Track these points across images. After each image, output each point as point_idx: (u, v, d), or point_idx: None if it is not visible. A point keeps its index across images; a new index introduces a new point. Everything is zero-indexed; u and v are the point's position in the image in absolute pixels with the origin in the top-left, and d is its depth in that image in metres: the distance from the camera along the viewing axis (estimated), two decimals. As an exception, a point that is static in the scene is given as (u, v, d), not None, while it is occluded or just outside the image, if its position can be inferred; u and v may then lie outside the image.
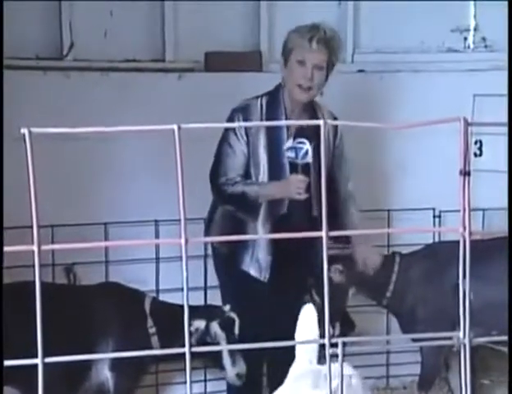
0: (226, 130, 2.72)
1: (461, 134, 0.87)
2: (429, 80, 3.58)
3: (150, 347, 2.62)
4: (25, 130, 0.74)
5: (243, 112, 2.71)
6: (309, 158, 2.74)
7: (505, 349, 2.99)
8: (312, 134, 2.71)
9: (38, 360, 0.73)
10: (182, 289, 0.87)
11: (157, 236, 3.27)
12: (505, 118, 3.23)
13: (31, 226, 0.79)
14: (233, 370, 2.59)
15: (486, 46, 3.71)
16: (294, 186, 2.58)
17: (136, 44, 3.48)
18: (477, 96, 3.51)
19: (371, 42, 3.64)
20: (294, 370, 1.40)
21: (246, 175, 2.72)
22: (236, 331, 2.63)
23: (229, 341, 2.59)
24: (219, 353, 2.58)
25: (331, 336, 0.84)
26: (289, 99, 2.75)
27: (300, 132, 2.73)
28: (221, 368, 2.65)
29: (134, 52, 3.47)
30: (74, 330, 2.62)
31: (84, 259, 3.17)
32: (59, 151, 3.16)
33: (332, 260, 2.90)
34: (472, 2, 3.68)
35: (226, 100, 3.38)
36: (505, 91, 3.41)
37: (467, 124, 0.87)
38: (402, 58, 3.61)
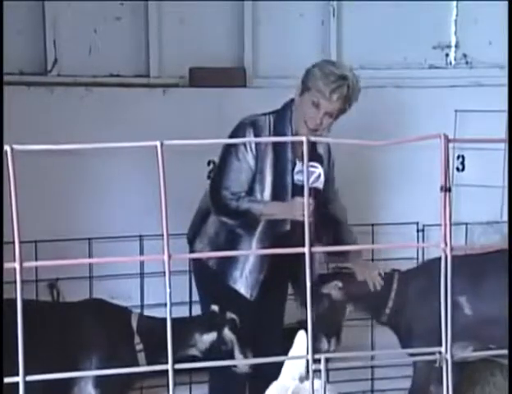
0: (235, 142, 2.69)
1: (441, 150, 0.88)
2: (412, 95, 3.62)
3: (137, 364, 2.61)
4: (7, 148, 0.74)
5: (253, 126, 2.65)
6: (320, 183, 2.72)
7: (503, 361, 3.01)
8: (321, 159, 2.72)
9: (19, 378, 0.72)
10: (166, 304, 0.87)
11: (141, 251, 3.26)
12: (486, 133, 3.27)
13: (13, 242, 0.79)
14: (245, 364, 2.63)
15: (466, 62, 3.76)
16: (300, 208, 2.53)
17: (121, 60, 3.48)
18: (459, 111, 3.55)
19: (354, 58, 3.68)
20: (270, 389, 1.40)
21: (250, 190, 2.68)
22: (238, 326, 2.67)
23: (240, 341, 2.62)
24: (231, 353, 2.61)
25: (326, 352, 0.85)
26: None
27: (311, 156, 2.69)
28: (233, 366, 2.67)
29: (119, 67, 3.48)
30: (59, 347, 2.60)
31: (67, 275, 3.16)
32: (42, 166, 3.15)
33: (332, 276, 2.94)
34: (453, 20, 3.74)
35: (210, 115, 3.40)
36: (486, 107, 3.46)
37: (447, 141, 0.88)
38: (385, 74, 3.65)
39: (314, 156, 2.70)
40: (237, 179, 2.65)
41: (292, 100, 2.72)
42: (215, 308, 2.70)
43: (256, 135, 2.64)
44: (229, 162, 2.66)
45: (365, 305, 3.01)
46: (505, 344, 2.72)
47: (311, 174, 2.70)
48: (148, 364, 2.59)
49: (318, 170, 2.72)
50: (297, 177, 2.70)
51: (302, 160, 2.69)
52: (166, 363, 0.79)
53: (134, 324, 2.69)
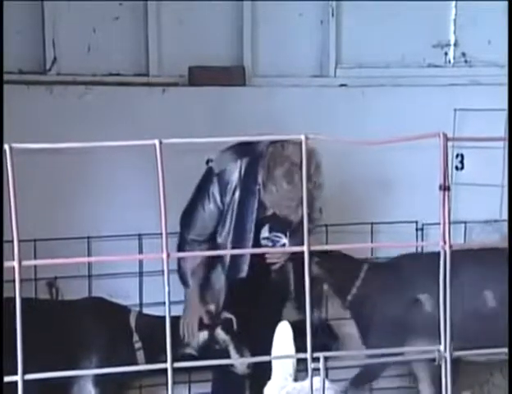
0: (201, 189, 2.73)
1: (440, 149, 0.88)
2: (411, 94, 3.62)
3: (135, 362, 2.61)
4: (6, 146, 0.74)
5: (219, 177, 2.69)
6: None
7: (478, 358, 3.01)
8: (286, 227, 2.73)
9: (17, 377, 0.72)
10: (165, 303, 0.87)
11: (140, 250, 3.26)
12: (485, 132, 3.27)
13: (12, 241, 0.79)
14: (242, 364, 2.63)
15: (465, 61, 3.76)
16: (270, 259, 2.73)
17: (120, 59, 3.48)
18: (458, 110, 3.55)
19: (353, 57, 3.68)
20: (268, 389, 1.40)
21: (214, 232, 2.76)
22: (235, 327, 2.66)
23: (234, 341, 2.63)
24: (227, 354, 2.62)
25: (313, 350, 0.85)
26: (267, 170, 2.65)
27: (276, 225, 2.73)
28: (230, 365, 2.67)
29: (118, 66, 3.48)
30: (58, 345, 2.60)
31: (66, 274, 3.15)
32: (42, 165, 3.15)
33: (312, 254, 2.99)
34: (452, 19, 3.74)
35: (209, 114, 3.40)
36: (485, 105, 3.46)
37: (446, 139, 0.88)
38: (384, 73, 3.65)
39: (279, 225, 2.71)
40: (201, 224, 2.73)
41: (264, 148, 2.67)
42: (211, 307, 2.70)
43: (220, 188, 2.69)
44: (196, 206, 2.74)
45: (334, 287, 3.07)
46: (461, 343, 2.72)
47: (276, 242, 2.73)
48: (147, 362, 2.59)
49: (283, 240, 2.77)
50: (263, 242, 2.76)
51: (269, 228, 2.74)
52: (165, 361, 0.79)
53: (133, 323, 2.69)
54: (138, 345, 2.65)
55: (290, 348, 1.40)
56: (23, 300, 0.76)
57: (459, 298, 2.80)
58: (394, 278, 3.02)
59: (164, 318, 0.81)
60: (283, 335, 1.43)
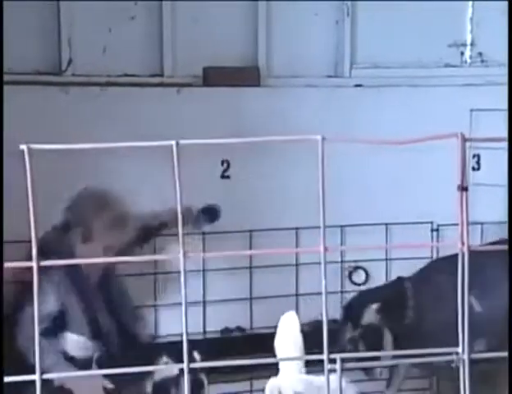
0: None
1: (458, 150, 0.87)
2: (426, 94, 3.60)
3: None
4: (24, 147, 0.74)
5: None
6: None
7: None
8: None
9: (36, 376, 0.72)
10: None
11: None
12: (501, 132, 3.24)
13: (29, 241, 0.79)
14: None
15: (482, 61, 3.73)
16: None
17: (135, 59, 3.49)
18: (474, 110, 3.53)
19: (368, 57, 3.66)
20: (276, 381, 1.38)
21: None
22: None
23: None
24: None
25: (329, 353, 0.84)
26: None
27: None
28: None
29: (133, 67, 3.49)
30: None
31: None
32: (58, 165, 3.16)
33: None
34: (468, 18, 3.71)
35: (224, 115, 3.41)
36: (502, 106, 3.43)
37: (464, 140, 0.87)
38: (399, 73, 3.63)
39: None
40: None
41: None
42: (196, 355, 2.54)
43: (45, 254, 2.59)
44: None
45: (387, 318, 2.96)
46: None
47: None
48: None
49: None
50: None
51: None
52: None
53: None
54: None
55: (297, 338, 1.38)
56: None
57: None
58: (440, 284, 2.95)
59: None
60: (289, 325, 1.41)
